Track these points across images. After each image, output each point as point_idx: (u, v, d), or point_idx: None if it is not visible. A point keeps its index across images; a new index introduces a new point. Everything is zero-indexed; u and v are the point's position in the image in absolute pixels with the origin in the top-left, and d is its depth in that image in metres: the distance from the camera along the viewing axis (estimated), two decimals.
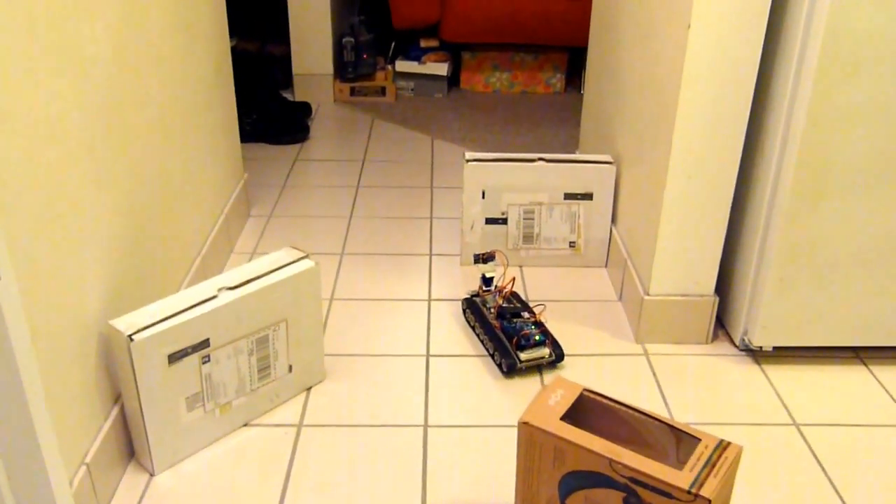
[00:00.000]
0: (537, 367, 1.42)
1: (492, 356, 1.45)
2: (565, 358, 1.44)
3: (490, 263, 1.56)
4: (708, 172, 1.36)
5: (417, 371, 1.42)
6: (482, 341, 1.49)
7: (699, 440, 0.93)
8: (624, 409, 0.98)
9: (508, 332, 1.44)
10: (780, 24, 1.27)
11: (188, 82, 1.52)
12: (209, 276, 1.63)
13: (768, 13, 1.24)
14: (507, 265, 1.74)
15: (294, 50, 2.77)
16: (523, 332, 1.42)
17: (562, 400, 0.98)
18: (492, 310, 1.51)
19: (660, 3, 1.39)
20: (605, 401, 0.99)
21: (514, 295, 1.56)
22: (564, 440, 0.93)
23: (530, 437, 0.96)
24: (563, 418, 0.96)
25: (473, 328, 1.52)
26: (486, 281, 1.57)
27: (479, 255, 1.57)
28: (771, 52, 1.30)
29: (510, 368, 1.39)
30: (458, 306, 1.61)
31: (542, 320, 1.49)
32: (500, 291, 1.55)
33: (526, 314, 1.49)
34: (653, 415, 0.97)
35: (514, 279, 1.67)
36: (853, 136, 1.24)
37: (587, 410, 0.99)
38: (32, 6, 0.93)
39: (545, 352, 1.41)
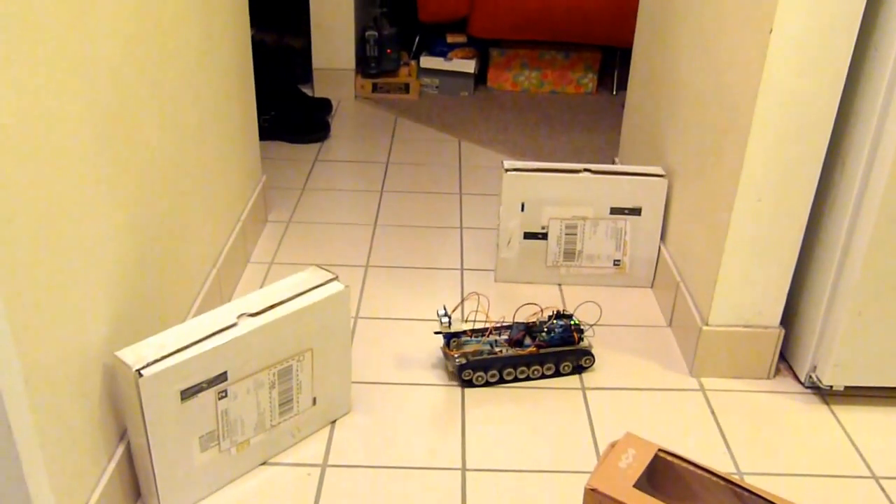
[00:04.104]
0: (579, 382, 1.31)
1: (557, 374, 1.36)
2: (613, 391, 1.32)
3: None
4: (781, 193, 1.22)
5: (452, 403, 1.29)
6: (528, 376, 1.34)
7: None
8: (705, 474, 0.85)
9: (559, 338, 1.34)
10: (874, 20, 1.12)
11: (205, 78, 1.39)
12: (224, 288, 1.50)
13: (863, 11, 1.10)
14: (474, 299, 1.61)
15: (314, 42, 2.63)
16: (570, 328, 1.35)
17: (634, 462, 0.85)
18: (500, 348, 1.33)
19: (730, 2, 1.25)
20: (682, 464, 0.86)
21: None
22: None
23: None
24: (636, 485, 0.83)
25: (503, 380, 1.33)
26: (449, 336, 1.35)
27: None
28: (860, 54, 1.16)
29: (593, 359, 1.37)
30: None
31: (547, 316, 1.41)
32: (493, 329, 1.37)
33: (532, 321, 1.39)
34: (738, 482, 0.84)
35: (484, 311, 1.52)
36: None
37: (662, 475, 0.86)
38: None
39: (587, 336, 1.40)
